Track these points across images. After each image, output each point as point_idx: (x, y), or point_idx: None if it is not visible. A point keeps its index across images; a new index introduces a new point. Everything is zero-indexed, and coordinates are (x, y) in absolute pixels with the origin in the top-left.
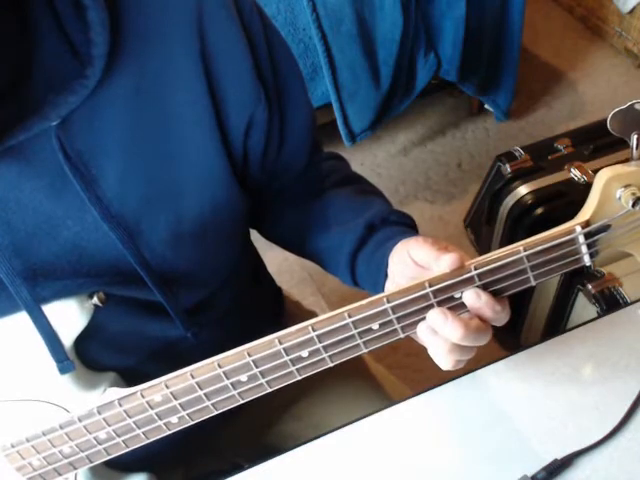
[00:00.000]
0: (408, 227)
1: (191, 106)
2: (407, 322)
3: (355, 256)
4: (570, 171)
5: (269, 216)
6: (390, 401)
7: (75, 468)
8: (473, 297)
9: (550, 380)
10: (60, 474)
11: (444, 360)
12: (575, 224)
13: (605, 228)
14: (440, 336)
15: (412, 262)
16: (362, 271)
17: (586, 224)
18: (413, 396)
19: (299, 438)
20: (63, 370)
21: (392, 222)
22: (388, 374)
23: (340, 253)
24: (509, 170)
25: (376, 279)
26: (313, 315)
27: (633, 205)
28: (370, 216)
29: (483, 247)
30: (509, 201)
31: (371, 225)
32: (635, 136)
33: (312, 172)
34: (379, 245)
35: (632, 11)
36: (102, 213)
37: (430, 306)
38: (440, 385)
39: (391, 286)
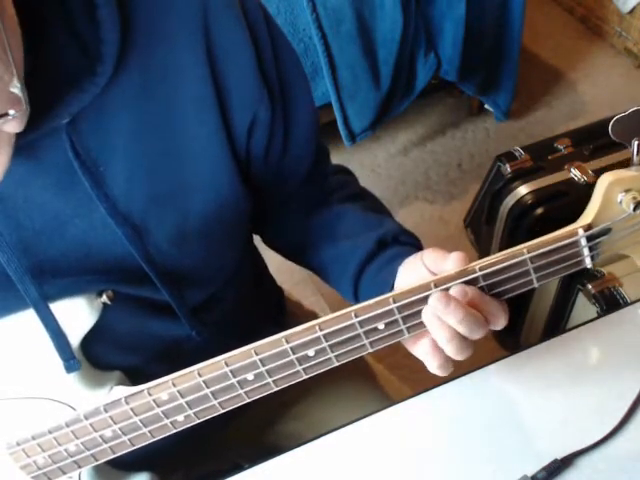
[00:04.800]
0: (416, 249)
1: (197, 105)
2: (413, 322)
3: (363, 269)
4: (570, 171)
5: (274, 223)
6: (390, 401)
7: (80, 467)
8: (460, 292)
9: (550, 380)
10: (64, 473)
11: (443, 351)
12: (577, 227)
13: (606, 231)
14: (443, 322)
15: (425, 270)
16: (366, 284)
17: (588, 227)
18: (413, 396)
19: (299, 438)
20: (69, 369)
21: (402, 242)
22: (388, 374)
23: (348, 264)
24: (509, 170)
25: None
26: (313, 315)
27: (634, 209)
28: (382, 233)
29: (483, 247)
30: (509, 201)
31: (383, 241)
32: (636, 142)
33: (319, 181)
34: (388, 262)
35: (632, 11)
36: (109, 210)
37: None
38: (440, 385)
39: None
